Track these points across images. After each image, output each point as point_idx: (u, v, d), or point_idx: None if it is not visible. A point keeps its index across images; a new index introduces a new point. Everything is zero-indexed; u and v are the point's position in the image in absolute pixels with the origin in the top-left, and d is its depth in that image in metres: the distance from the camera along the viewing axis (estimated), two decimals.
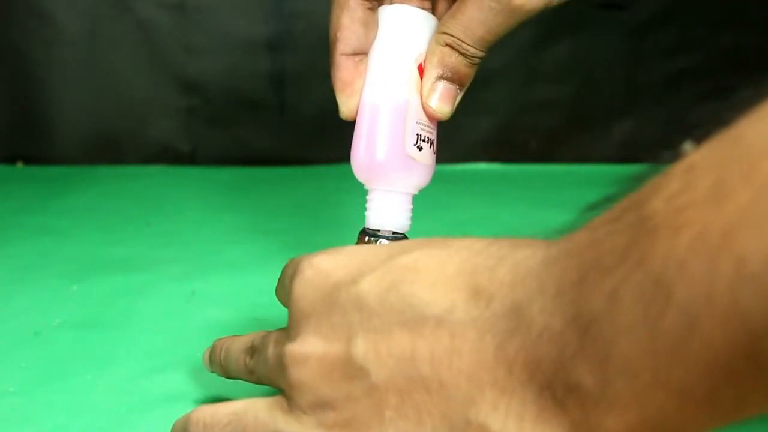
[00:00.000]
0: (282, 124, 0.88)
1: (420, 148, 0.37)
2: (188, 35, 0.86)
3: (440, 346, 0.22)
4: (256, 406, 0.27)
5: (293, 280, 0.27)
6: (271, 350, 0.27)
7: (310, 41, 0.86)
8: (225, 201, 0.75)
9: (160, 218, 0.68)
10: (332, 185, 0.78)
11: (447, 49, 0.36)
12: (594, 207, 0.22)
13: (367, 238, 0.37)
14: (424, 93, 0.37)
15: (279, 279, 0.31)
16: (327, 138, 0.89)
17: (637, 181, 0.20)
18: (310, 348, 0.25)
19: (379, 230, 0.37)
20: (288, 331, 0.26)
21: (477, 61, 0.37)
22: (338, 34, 0.39)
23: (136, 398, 0.37)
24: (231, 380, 0.35)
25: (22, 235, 0.63)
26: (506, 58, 0.86)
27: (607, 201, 0.21)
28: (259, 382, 0.30)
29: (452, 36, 0.36)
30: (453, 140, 0.85)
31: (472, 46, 0.36)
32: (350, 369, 0.23)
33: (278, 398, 0.26)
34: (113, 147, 0.88)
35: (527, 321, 0.20)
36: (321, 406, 0.24)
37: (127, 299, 0.49)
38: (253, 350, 0.30)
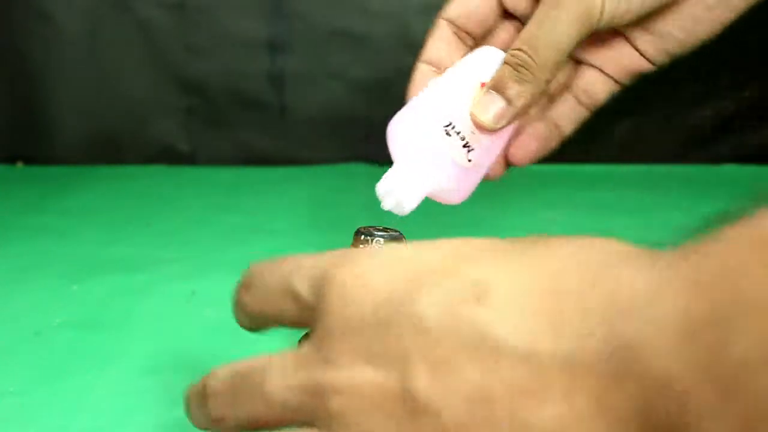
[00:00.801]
0: (282, 124, 0.88)
1: (448, 134, 0.36)
2: (188, 35, 0.86)
3: (521, 387, 0.18)
4: None
5: (326, 290, 0.22)
6: (293, 378, 0.22)
7: (310, 41, 0.86)
8: (225, 201, 0.75)
9: (160, 218, 0.68)
10: (332, 185, 0.78)
11: (508, 67, 0.36)
12: (712, 221, 0.18)
13: (362, 237, 0.37)
14: (474, 100, 0.36)
15: (246, 285, 0.26)
16: (327, 138, 0.89)
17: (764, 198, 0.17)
18: (357, 375, 0.21)
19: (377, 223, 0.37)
20: (318, 353, 0.22)
21: (535, 82, 0.35)
22: (426, 44, 0.39)
23: (136, 398, 0.37)
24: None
25: (22, 235, 0.63)
26: None
27: (729, 216, 0.17)
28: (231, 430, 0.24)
29: (516, 51, 0.35)
30: None
31: (525, 53, 0.35)
32: (410, 406, 0.20)
33: None
34: (113, 147, 0.88)
35: (639, 362, 0.17)
36: None
37: (127, 299, 0.49)
38: (232, 389, 0.24)
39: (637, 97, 0.93)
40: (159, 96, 0.87)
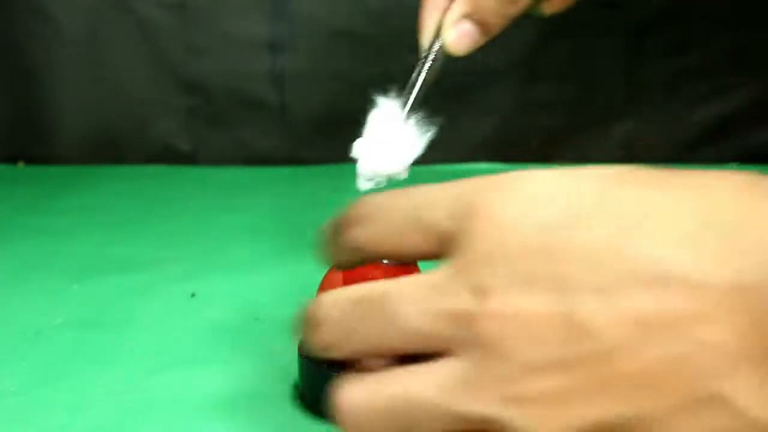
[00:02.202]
0: (282, 124, 0.88)
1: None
2: (189, 35, 0.86)
3: (686, 312, 0.19)
4: (422, 386, 0.21)
5: (472, 217, 0.21)
6: (433, 303, 0.21)
7: (311, 41, 0.86)
8: (225, 201, 0.75)
9: (160, 218, 0.68)
10: (332, 185, 0.78)
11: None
12: None
13: None
14: (446, 24, 0.37)
15: (357, 220, 0.24)
16: (327, 138, 0.89)
17: None
18: (516, 303, 0.20)
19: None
20: (464, 279, 0.21)
21: (512, 10, 0.36)
22: None
23: (136, 398, 0.37)
24: (235, 379, 0.35)
25: (22, 235, 0.63)
26: (507, 58, 0.86)
27: None
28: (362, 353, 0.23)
29: None
30: (453, 140, 0.85)
31: None
32: (572, 331, 0.19)
33: (454, 370, 0.21)
34: (114, 147, 0.88)
35: None
36: (528, 375, 0.20)
37: (127, 299, 0.49)
38: (352, 315, 0.23)
39: (637, 96, 0.93)
40: (160, 96, 0.87)
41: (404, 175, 0.36)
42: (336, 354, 0.23)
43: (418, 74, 0.37)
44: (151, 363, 0.40)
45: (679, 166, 0.85)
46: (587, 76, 0.89)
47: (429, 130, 0.35)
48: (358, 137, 0.37)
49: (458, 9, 0.37)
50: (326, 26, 0.85)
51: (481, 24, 0.37)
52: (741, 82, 0.87)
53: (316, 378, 0.35)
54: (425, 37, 0.38)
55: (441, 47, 0.37)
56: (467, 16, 0.36)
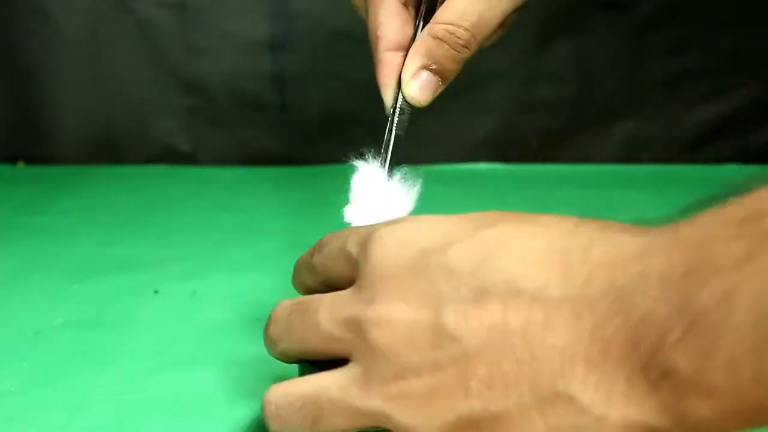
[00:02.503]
0: (283, 124, 0.88)
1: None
2: (189, 35, 0.86)
3: (534, 320, 0.22)
4: (327, 385, 0.26)
5: (369, 246, 0.26)
6: (338, 312, 0.26)
7: (312, 41, 0.86)
8: (225, 201, 0.75)
9: (160, 218, 0.68)
10: (332, 185, 0.78)
11: (436, 41, 0.37)
12: (695, 206, 0.22)
13: None
14: (405, 79, 0.38)
15: (318, 248, 0.31)
16: (327, 138, 0.89)
17: (751, 183, 0.21)
18: (396, 313, 0.24)
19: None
20: (360, 295, 0.26)
21: (466, 54, 0.37)
22: (378, 32, 0.39)
23: (136, 398, 0.37)
24: (235, 379, 0.35)
25: (22, 235, 0.63)
26: (506, 59, 0.86)
27: (711, 201, 0.22)
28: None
29: (446, 24, 0.37)
30: (453, 140, 0.85)
31: (467, 30, 0.36)
32: (439, 337, 0.23)
33: (351, 371, 0.25)
34: (114, 147, 0.88)
35: (629, 304, 0.21)
36: (404, 375, 0.24)
37: (127, 299, 0.49)
38: (289, 316, 0.29)
39: (637, 96, 0.93)
40: (160, 96, 0.87)
41: None
42: (280, 347, 0.29)
43: (390, 132, 0.38)
44: (151, 363, 0.40)
45: (679, 166, 0.85)
46: (587, 76, 0.89)
47: (415, 185, 0.37)
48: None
49: (414, 62, 0.38)
50: (326, 26, 0.85)
51: (439, 72, 0.38)
52: (741, 82, 0.87)
53: None
54: (388, 96, 0.39)
55: (405, 101, 0.38)
56: (425, 66, 0.37)
